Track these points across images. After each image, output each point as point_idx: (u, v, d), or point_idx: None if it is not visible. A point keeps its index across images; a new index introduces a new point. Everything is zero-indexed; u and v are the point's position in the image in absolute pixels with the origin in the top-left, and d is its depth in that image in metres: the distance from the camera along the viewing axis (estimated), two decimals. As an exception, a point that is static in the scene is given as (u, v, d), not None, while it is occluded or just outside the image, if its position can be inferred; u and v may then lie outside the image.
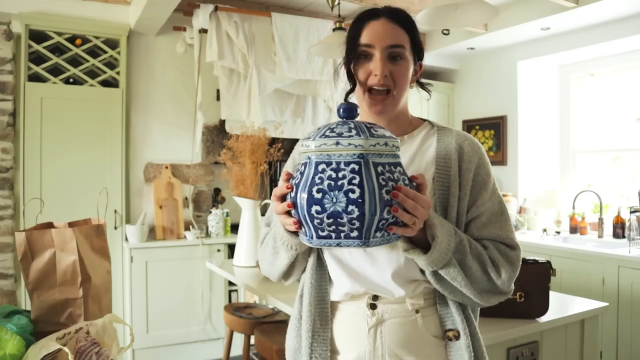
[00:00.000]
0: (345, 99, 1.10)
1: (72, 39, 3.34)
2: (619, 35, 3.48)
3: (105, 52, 3.42)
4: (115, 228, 3.47)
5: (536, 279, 1.69)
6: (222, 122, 3.76)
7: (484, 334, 1.54)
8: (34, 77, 3.25)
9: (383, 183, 0.80)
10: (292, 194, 0.84)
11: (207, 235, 3.74)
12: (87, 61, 3.37)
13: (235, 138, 2.70)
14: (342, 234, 0.81)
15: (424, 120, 1.18)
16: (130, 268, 3.33)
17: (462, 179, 1.04)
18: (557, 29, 3.74)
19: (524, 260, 1.73)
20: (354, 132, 0.82)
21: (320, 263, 1.10)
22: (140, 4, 3.15)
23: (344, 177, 0.79)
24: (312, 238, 0.84)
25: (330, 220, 0.80)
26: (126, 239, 3.45)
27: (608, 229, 3.68)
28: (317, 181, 0.80)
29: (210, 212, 3.77)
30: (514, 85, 4.26)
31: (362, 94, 1.05)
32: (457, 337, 1.02)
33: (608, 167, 4.07)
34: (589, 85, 4.18)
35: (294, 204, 0.84)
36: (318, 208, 0.80)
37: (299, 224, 0.86)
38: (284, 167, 1.19)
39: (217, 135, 3.91)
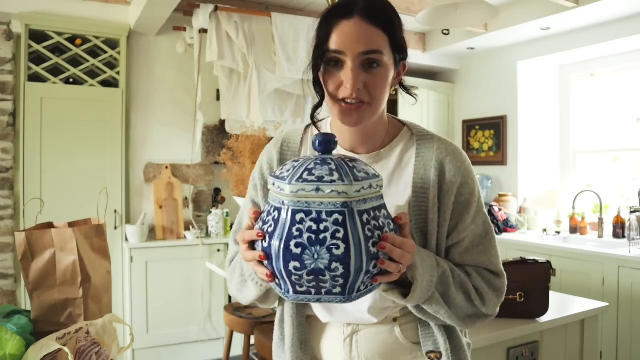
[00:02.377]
0: (313, 114, 1.01)
1: (72, 39, 3.34)
2: (619, 35, 3.48)
3: (105, 52, 3.42)
4: (115, 228, 3.48)
5: (536, 279, 1.69)
6: (222, 122, 3.76)
7: (484, 334, 1.54)
8: (34, 77, 3.25)
9: (369, 234, 0.72)
10: (265, 244, 0.74)
11: (207, 235, 3.74)
12: (87, 61, 3.37)
13: (235, 138, 2.70)
14: (323, 290, 0.74)
15: (403, 124, 1.04)
16: (130, 268, 3.33)
17: (442, 204, 0.94)
18: (557, 29, 3.74)
19: (524, 261, 1.73)
20: (335, 175, 0.72)
21: None
22: (140, 4, 3.15)
23: (326, 229, 0.70)
24: (288, 292, 0.76)
25: (311, 277, 0.72)
26: (126, 239, 3.45)
27: (608, 229, 3.68)
28: (296, 233, 0.71)
29: (210, 212, 3.77)
30: (514, 85, 4.26)
31: (334, 105, 0.91)
32: (439, 358, 0.96)
33: (608, 167, 4.07)
34: (589, 85, 4.18)
35: (267, 255, 0.74)
36: (297, 264, 0.71)
37: (273, 276, 0.75)
38: (252, 177, 1.08)
39: (217, 135, 3.91)
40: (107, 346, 1.03)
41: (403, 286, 0.89)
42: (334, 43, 0.88)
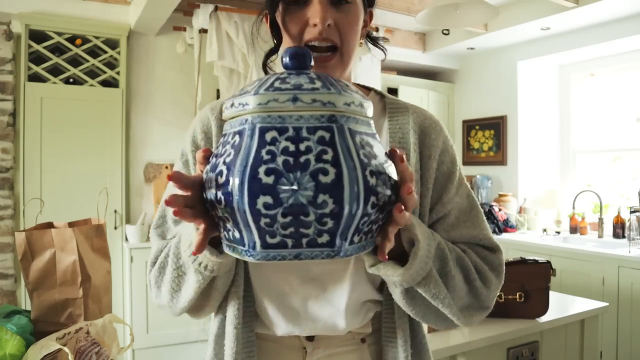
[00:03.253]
0: (265, 64, 0.84)
1: (72, 39, 3.34)
2: (619, 35, 3.48)
3: (105, 52, 3.42)
4: (115, 228, 3.47)
5: (536, 279, 1.69)
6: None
7: (484, 333, 1.54)
8: (34, 77, 3.25)
9: (365, 160, 0.54)
10: (219, 180, 0.54)
11: (207, 235, 3.74)
12: (87, 61, 3.37)
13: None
14: (304, 240, 0.53)
15: (369, 89, 0.90)
16: (130, 268, 3.33)
17: (424, 171, 0.80)
18: (557, 29, 3.74)
19: (524, 261, 1.73)
20: (318, 83, 0.56)
21: (248, 291, 0.79)
22: (140, 4, 3.15)
23: (308, 150, 0.52)
24: (253, 248, 0.55)
25: (288, 219, 0.52)
26: (126, 239, 3.45)
27: (608, 229, 3.68)
28: (266, 157, 0.52)
29: (210, 212, 3.76)
30: (514, 85, 4.26)
31: None
32: None
33: (608, 167, 4.07)
34: (589, 85, 4.18)
35: (222, 197, 0.53)
36: (268, 200, 0.51)
37: (232, 225, 0.55)
38: (181, 153, 0.85)
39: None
40: (107, 346, 1.03)
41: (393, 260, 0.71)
42: None
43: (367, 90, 0.89)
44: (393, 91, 4.31)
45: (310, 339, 0.80)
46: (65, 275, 1.06)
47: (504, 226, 4.04)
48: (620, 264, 3.02)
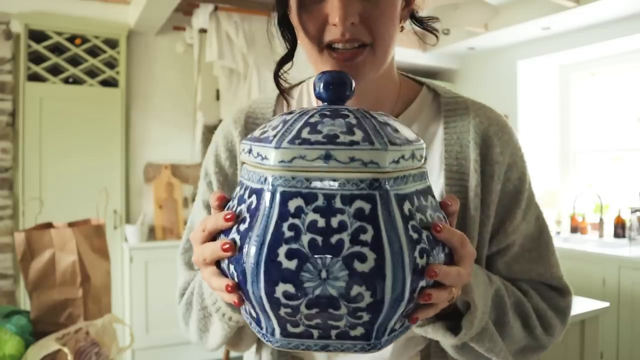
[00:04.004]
0: (277, 74, 0.69)
1: (71, 39, 3.33)
2: (619, 35, 3.48)
3: (105, 51, 3.42)
4: (115, 228, 3.47)
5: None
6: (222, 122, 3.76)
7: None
8: (34, 77, 3.25)
9: (415, 236, 0.43)
10: (236, 254, 0.44)
11: (207, 235, 3.74)
12: (87, 61, 3.37)
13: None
14: (334, 332, 0.44)
15: (420, 83, 0.73)
16: (130, 268, 3.32)
17: (485, 194, 0.65)
18: (557, 29, 3.74)
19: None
20: (358, 133, 0.43)
21: None
22: (140, 4, 3.14)
23: (342, 227, 0.41)
24: (272, 334, 0.46)
25: (314, 312, 0.43)
26: (126, 239, 3.45)
27: (609, 229, 3.68)
28: (288, 233, 0.42)
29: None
30: (514, 85, 4.25)
31: (318, 55, 0.61)
32: None
33: (608, 167, 4.07)
34: (589, 85, 4.18)
35: (235, 273, 0.45)
36: (289, 288, 0.42)
37: (245, 303, 0.47)
38: (203, 172, 0.76)
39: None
40: (107, 346, 1.03)
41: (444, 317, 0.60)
42: None
43: (418, 85, 0.73)
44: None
45: None
46: (64, 276, 1.06)
47: (504, 226, 4.03)
48: (621, 264, 3.02)
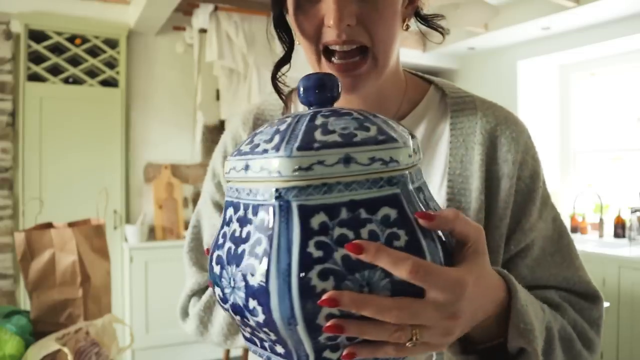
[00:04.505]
0: (274, 77, 0.66)
1: (71, 39, 3.33)
2: (619, 35, 3.48)
3: (105, 51, 3.42)
4: (115, 228, 3.47)
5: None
6: (222, 122, 3.76)
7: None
8: (34, 77, 3.25)
9: (318, 255, 0.37)
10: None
11: (207, 235, 3.74)
12: (87, 61, 3.37)
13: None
14: (266, 344, 0.42)
15: (429, 81, 0.72)
16: (130, 268, 3.32)
17: (493, 195, 0.62)
18: (557, 29, 3.74)
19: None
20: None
21: None
22: (140, 4, 3.14)
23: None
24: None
25: (238, 319, 0.41)
26: (126, 239, 3.45)
27: (609, 229, 3.68)
28: (220, 241, 0.42)
29: (210, 212, 3.76)
30: (514, 85, 4.25)
31: (316, 63, 0.59)
32: None
33: (608, 167, 4.07)
34: (590, 85, 4.18)
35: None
36: (219, 292, 0.41)
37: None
38: (210, 170, 0.77)
39: (217, 135, 3.89)
40: (107, 346, 1.03)
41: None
42: None
43: (426, 83, 0.70)
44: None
45: None
46: (64, 276, 1.06)
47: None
48: (621, 264, 3.02)
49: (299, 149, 0.38)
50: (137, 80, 3.67)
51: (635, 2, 3.14)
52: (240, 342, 0.67)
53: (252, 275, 0.38)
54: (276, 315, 0.37)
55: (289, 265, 0.37)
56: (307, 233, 0.37)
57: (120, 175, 3.46)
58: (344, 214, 0.37)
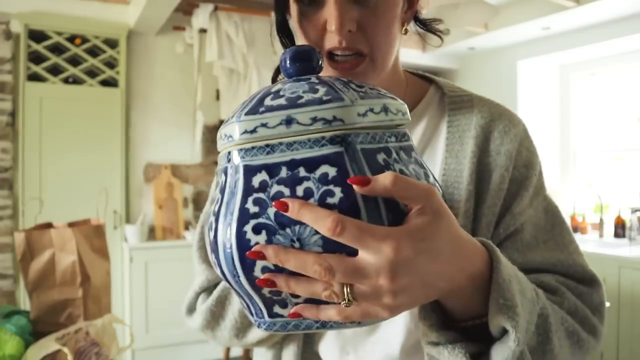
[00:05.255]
0: (274, 78, 0.69)
1: (71, 39, 3.33)
2: (619, 35, 3.48)
3: (105, 51, 3.42)
4: (115, 228, 3.47)
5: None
6: (222, 122, 3.75)
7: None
8: (33, 77, 3.25)
9: (254, 211, 0.40)
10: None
11: (207, 235, 3.74)
12: (87, 61, 3.37)
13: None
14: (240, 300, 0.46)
15: (430, 80, 0.72)
16: (130, 268, 3.32)
17: (482, 184, 0.64)
18: (558, 29, 3.74)
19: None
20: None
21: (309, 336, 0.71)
22: (140, 4, 3.14)
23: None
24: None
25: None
26: (125, 239, 3.45)
27: (609, 229, 3.68)
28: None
29: (210, 212, 3.76)
30: (514, 85, 4.25)
31: None
32: None
33: (608, 167, 4.07)
34: (590, 85, 4.18)
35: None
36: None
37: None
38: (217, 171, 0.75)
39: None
40: (107, 346, 1.03)
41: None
42: None
43: (426, 83, 0.71)
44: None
45: None
46: (64, 276, 1.06)
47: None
48: (621, 264, 3.01)
49: (247, 113, 0.41)
50: (137, 80, 3.67)
51: (635, 2, 3.14)
52: (251, 338, 0.68)
53: (210, 231, 0.42)
54: (224, 267, 0.41)
55: (231, 221, 0.40)
56: (248, 191, 0.40)
57: (120, 175, 3.45)
58: (283, 172, 0.39)
